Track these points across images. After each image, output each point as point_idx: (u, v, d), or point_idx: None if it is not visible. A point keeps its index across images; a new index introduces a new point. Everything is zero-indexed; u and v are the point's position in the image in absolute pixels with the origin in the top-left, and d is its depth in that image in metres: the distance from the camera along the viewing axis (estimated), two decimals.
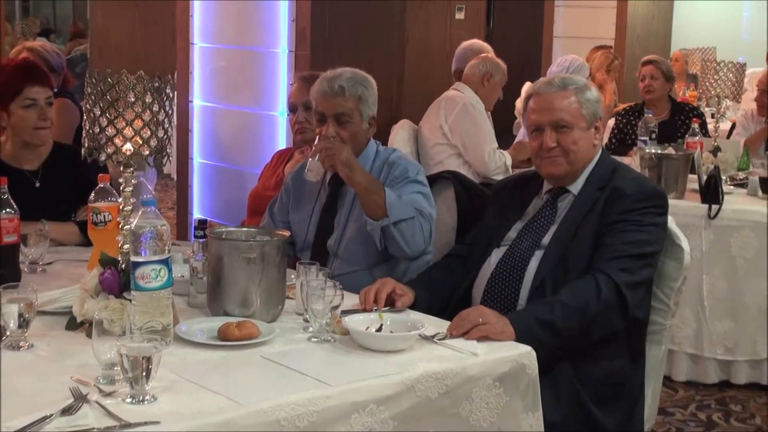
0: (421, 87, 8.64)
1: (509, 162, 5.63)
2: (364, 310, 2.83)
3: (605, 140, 6.54)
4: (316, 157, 3.42)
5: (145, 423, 2.03)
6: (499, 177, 5.36)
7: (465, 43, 6.38)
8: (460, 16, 13.25)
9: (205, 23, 5.78)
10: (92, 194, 3.07)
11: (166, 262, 2.49)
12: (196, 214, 5.91)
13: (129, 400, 2.14)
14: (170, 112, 2.79)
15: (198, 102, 5.86)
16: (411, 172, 3.50)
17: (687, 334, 4.94)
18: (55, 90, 5.20)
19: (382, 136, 5.06)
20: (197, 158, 5.92)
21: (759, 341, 4.85)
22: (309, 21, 5.18)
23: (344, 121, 3.50)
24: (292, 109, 4.12)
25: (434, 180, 3.79)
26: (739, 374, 4.92)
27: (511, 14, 15.40)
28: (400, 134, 5.64)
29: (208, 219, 5.54)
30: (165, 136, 2.76)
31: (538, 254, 3.05)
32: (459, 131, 5.61)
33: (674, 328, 4.68)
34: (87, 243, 3.30)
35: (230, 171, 5.73)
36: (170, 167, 7.71)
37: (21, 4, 19.67)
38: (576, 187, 3.13)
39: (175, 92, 5.65)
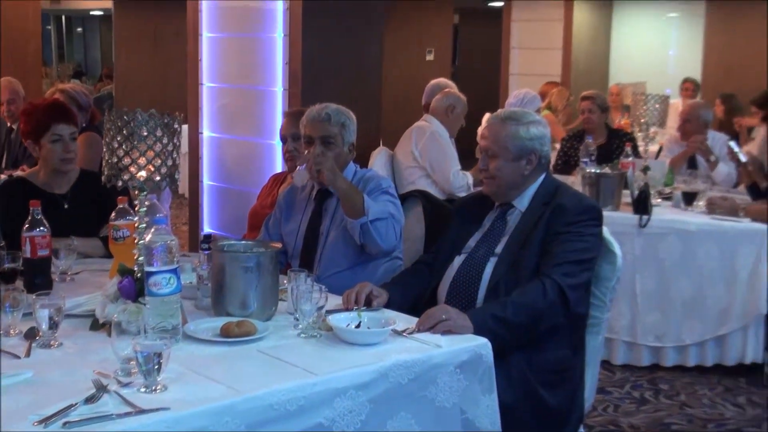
0: (397, 118, 8.65)
1: (471, 181, 5.63)
2: (346, 309, 2.83)
3: (552, 162, 6.56)
4: (304, 166, 3.43)
5: (158, 409, 2.03)
6: (462, 194, 5.38)
7: (433, 81, 6.40)
8: (430, 57, 13.30)
9: (212, 66, 5.78)
10: (113, 213, 3.06)
11: (175, 271, 2.49)
12: (206, 228, 5.89)
13: (143, 389, 2.14)
14: (178, 144, 2.79)
15: (207, 133, 5.85)
16: (383, 185, 3.52)
17: (623, 325, 4.97)
18: (83, 125, 5.19)
19: (362, 160, 5.06)
20: (206, 181, 5.91)
21: (683, 330, 4.90)
22: (300, 64, 5.19)
23: (329, 142, 3.52)
24: (283, 140, 4.12)
25: (405, 198, 3.79)
26: (667, 358, 4.95)
27: (474, 55, 15.50)
28: (378, 159, 5.64)
29: (215, 233, 5.54)
30: (173, 164, 2.76)
31: (493, 260, 3.05)
32: (427, 156, 5.62)
33: (612, 320, 4.71)
34: (109, 255, 3.29)
35: (234, 192, 5.72)
36: (184, 188, 7.69)
37: (56, 51, 19.67)
38: (522, 204, 3.12)
39: (186, 126, 5.65)
